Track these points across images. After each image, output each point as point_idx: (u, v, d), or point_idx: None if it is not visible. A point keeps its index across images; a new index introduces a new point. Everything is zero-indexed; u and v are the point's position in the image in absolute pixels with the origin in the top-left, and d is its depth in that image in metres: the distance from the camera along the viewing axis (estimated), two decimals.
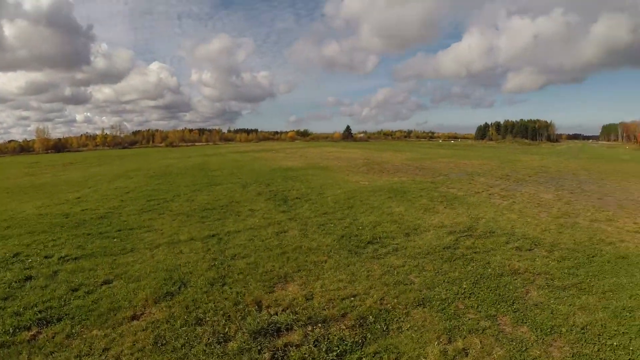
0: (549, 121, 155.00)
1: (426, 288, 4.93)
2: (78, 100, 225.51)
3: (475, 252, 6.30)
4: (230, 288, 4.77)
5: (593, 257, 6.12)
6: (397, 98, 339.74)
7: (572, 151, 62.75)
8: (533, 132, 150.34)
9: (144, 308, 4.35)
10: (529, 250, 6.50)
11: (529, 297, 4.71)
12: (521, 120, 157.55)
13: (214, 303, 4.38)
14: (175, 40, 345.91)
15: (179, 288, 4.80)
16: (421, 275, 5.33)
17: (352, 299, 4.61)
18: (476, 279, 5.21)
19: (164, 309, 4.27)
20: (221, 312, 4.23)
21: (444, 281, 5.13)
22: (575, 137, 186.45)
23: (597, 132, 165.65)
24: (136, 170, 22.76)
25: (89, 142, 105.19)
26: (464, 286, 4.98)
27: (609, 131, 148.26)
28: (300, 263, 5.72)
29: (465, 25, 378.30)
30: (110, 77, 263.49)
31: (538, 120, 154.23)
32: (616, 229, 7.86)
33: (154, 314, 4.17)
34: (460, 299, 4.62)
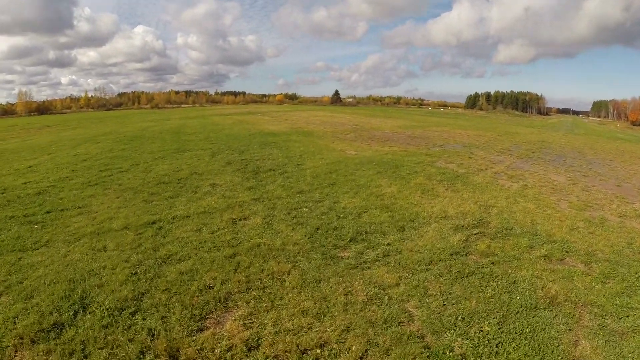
0: (539, 94, 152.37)
1: (431, 332, 3.40)
2: (62, 63, 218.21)
3: (493, 263, 4.82)
4: (143, 319, 3.32)
5: None
6: (387, 65, 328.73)
7: (565, 125, 62.05)
8: (523, 104, 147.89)
9: (15, 352, 2.97)
10: (561, 260, 5.05)
11: (580, 354, 3.21)
12: (511, 91, 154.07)
13: (110, 349, 2.93)
14: (160, 4, 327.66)
15: (74, 315, 3.39)
16: (423, 305, 3.79)
17: (317, 351, 3.03)
18: (502, 314, 3.72)
19: (40, 356, 2.88)
20: None
21: (456, 317, 3.62)
22: (565, 111, 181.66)
23: (587, 108, 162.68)
24: (107, 134, 20.90)
25: (73, 104, 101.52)
26: (487, 329, 3.46)
27: (599, 107, 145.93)
28: (252, 275, 4.18)
29: None
30: (95, 40, 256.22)
31: (529, 93, 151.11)
32: None
33: None
34: (485, 357, 3.12)
